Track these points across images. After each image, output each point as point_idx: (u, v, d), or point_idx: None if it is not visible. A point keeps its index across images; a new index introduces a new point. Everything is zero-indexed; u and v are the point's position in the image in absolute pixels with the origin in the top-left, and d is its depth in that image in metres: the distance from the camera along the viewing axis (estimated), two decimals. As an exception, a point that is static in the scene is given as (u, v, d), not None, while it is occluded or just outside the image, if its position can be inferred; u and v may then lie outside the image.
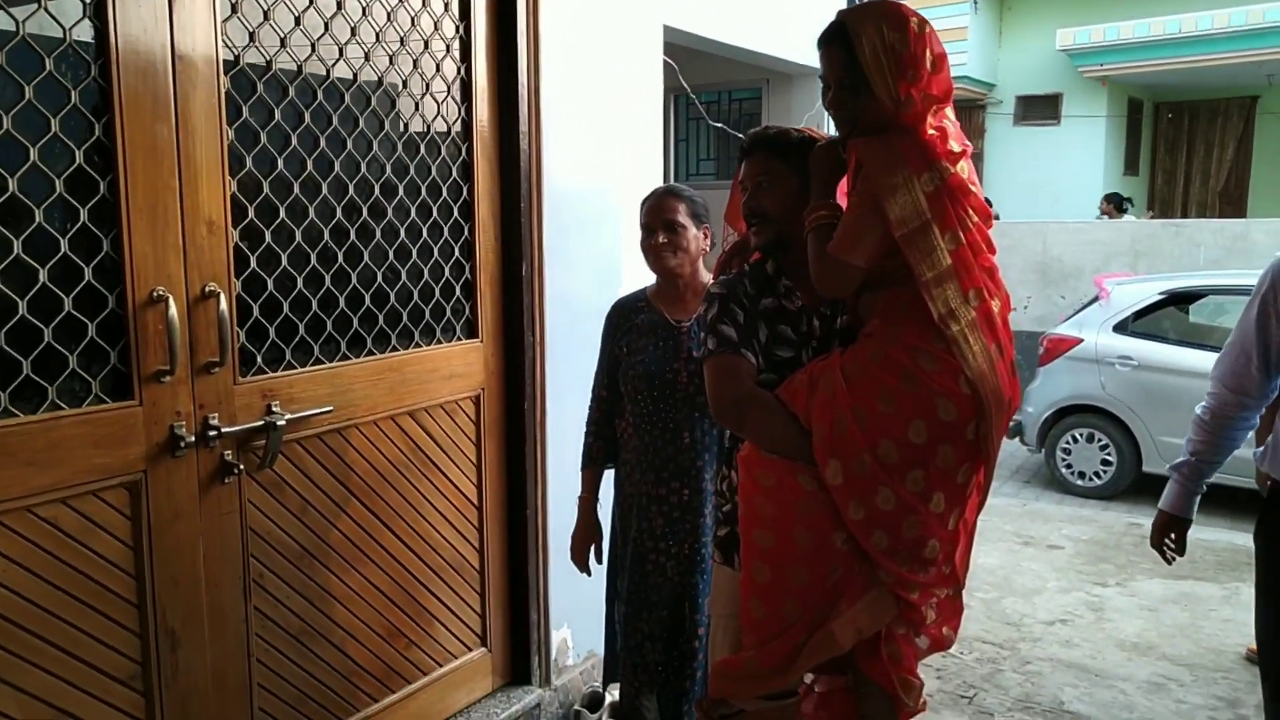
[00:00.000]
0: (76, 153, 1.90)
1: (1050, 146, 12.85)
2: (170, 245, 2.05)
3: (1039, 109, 13.12)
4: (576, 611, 3.12)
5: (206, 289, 2.09)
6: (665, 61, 3.48)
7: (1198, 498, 2.41)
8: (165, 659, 2.12)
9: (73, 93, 1.88)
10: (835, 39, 1.80)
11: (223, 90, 2.09)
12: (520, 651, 3.03)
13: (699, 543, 2.43)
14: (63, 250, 1.90)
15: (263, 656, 2.30)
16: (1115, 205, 11.11)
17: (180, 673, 2.15)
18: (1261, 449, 2.27)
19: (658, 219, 2.43)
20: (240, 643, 2.24)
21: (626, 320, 2.52)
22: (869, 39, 1.74)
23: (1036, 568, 4.95)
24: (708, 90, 5.36)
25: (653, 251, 2.45)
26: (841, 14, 1.81)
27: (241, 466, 2.19)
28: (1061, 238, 9.53)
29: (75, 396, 1.95)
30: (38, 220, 1.85)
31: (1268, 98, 12.62)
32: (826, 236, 1.80)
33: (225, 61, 2.10)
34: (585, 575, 2.64)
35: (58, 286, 1.89)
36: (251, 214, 2.19)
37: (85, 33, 1.89)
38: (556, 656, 3.11)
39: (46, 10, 1.83)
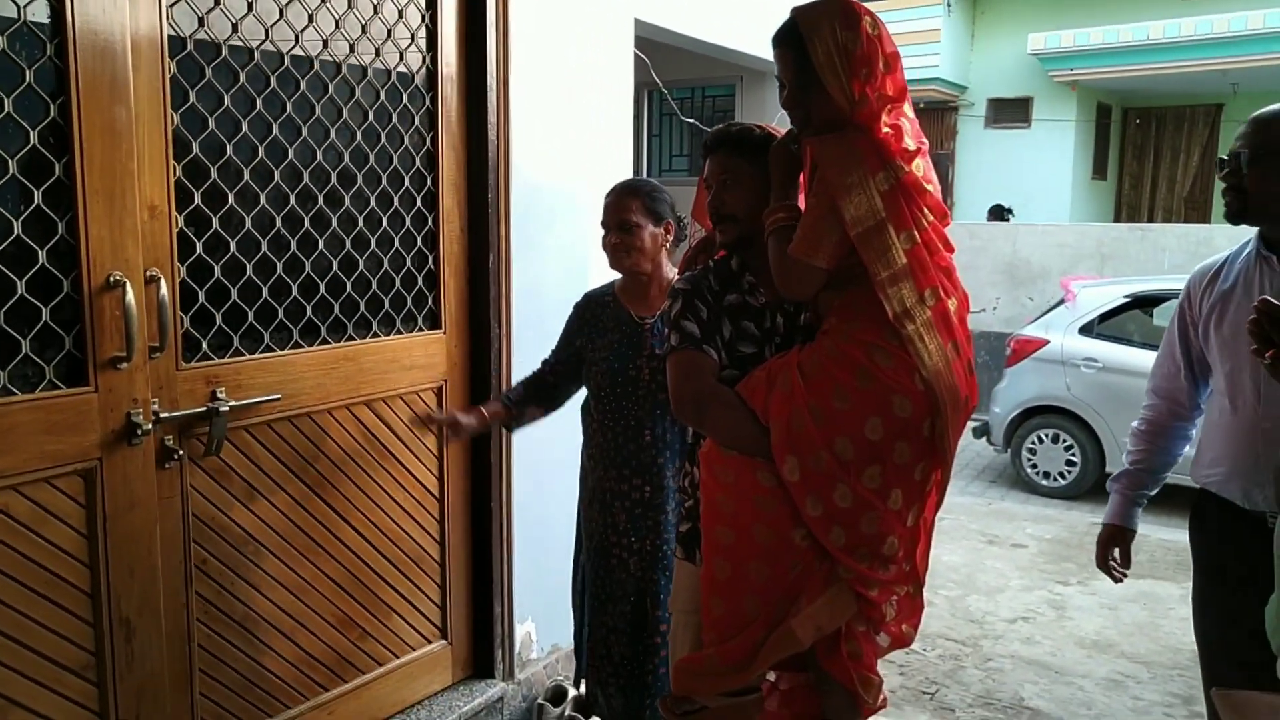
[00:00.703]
0: (31, 134, 1.86)
1: (1021, 149, 12.97)
2: (128, 230, 2.01)
3: (1010, 112, 13.23)
4: (541, 605, 3.12)
5: (148, 274, 2.05)
6: (636, 55, 3.48)
7: (1139, 508, 2.41)
8: (120, 649, 2.09)
9: (27, 72, 1.84)
10: (788, 38, 1.80)
11: (167, 72, 2.05)
12: (483, 644, 3.01)
13: (660, 539, 2.43)
14: (15, 233, 1.86)
15: (205, 643, 2.27)
16: (997, 216, 11.43)
17: (135, 662, 2.12)
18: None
19: (612, 218, 2.42)
20: (180, 628, 2.21)
21: (593, 314, 2.52)
22: (821, 38, 1.75)
23: (1000, 566, 5.00)
24: (681, 86, 5.35)
25: (608, 251, 2.44)
26: (794, 12, 1.80)
27: (182, 452, 2.16)
28: (1030, 239, 9.63)
29: (28, 382, 1.92)
30: (-10, 201, 1.82)
31: (1232, 106, 12.80)
32: (786, 238, 1.80)
33: (171, 40, 2.06)
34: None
35: (10, 269, 1.86)
36: (198, 199, 2.15)
37: (41, 12, 1.86)
38: (520, 650, 3.10)
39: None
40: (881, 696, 2.02)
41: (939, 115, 13.43)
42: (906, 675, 3.66)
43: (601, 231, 2.47)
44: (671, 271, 2.46)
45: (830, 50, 1.74)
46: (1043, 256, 9.52)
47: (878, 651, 2.00)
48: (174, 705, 2.21)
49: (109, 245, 1.99)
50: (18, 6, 1.82)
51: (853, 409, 1.78)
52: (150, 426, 2.08)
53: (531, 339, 2.92)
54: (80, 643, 2.04)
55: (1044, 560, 5.10)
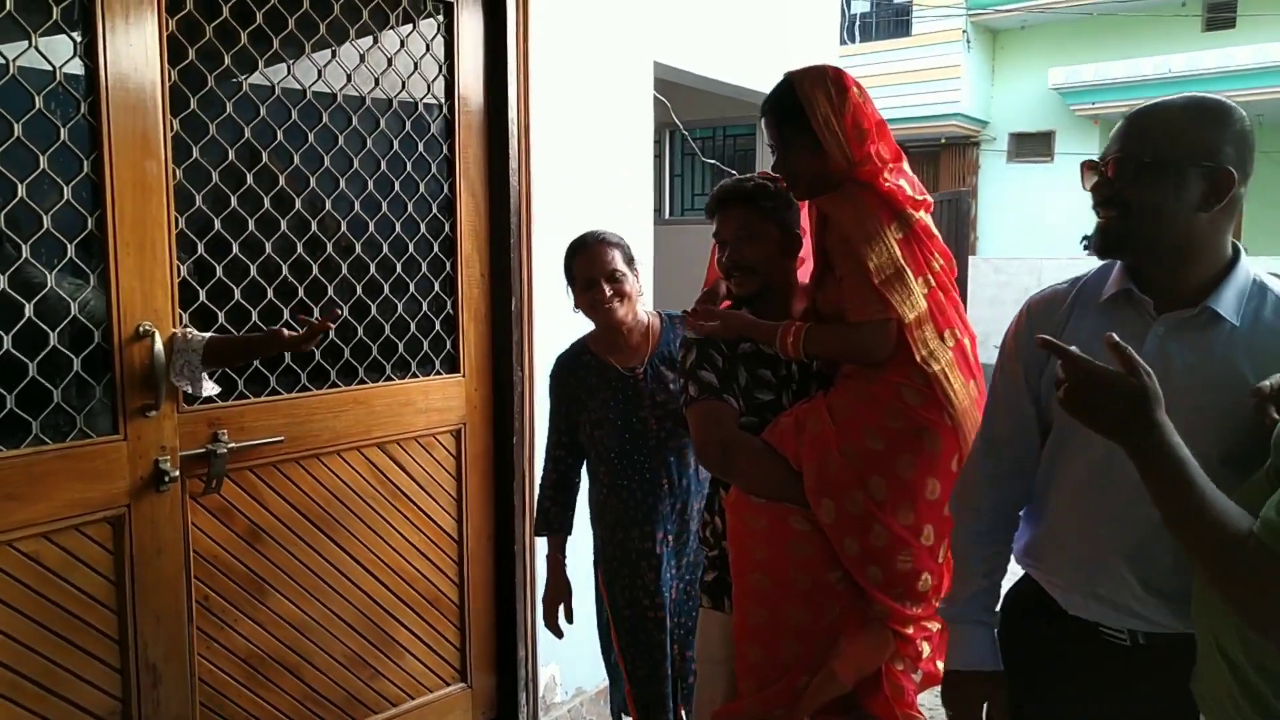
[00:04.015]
0: (65, 189, 1.92)
1: (1044, 183, 12.96)
2: (158, 281, 2.06)
3: (1032, 146, 13.25)
4: (565, 648, 3.09)
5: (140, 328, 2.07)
6: (656, 98, 3.53)
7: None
8: (146, 694, 2.11)
9: (62, 130, 1.90)
10: (784, 102, 1.82)
11: (167, 122, 2.07)
12: (507, 687, 3.00)
13: (686, 580, 2.41)
14: (49, 285, 1.91)
15: (208, 678, 2.27)
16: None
17: (161, 707, 2.14)
18: None
19: (601, 270, 2.30)
20: (184, 666, 2.21)
21: (576, 378, 2.42)
22: (820, 101, 1.79)
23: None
24: (702, 126, 5.41)
25: (600, 305, 2.30)
26: (789, 76, 1.83)
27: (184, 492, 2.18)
28: (1054, 273, 9.58)
29: (59, 431, 1.96)
30: (24, 255, 1.87)
31: (1259, 137, 12.74)
32: (828, 327, 1.83)
33: (173, 91, 2.07)
34: (557, 637, 2.59)
35: (44, 321, 1.91)
36: (201, 249, 2.18)
37: (76, 69, 1.92)
38: (544, 693, 3.08)
39: (37, 49, 1.85)
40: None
41: (960, 150, 13.47)
42: (936, 716, 3.60)
43: (571, 290, 2.37)
44: (644, 316, 2.41)
45: (828, 112, 1.78)
46: (1068, 290, 9.48)
47: (916, 689, 2.00)
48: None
49: (139, 296, 2.03)
50: (54, 66, 1.88)
51: (885, 448, 1.80)
52: (177, 474, 2.12)
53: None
54: (108, 689, 2.06)
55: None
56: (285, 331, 2.05)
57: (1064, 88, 12.09)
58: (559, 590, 2.51)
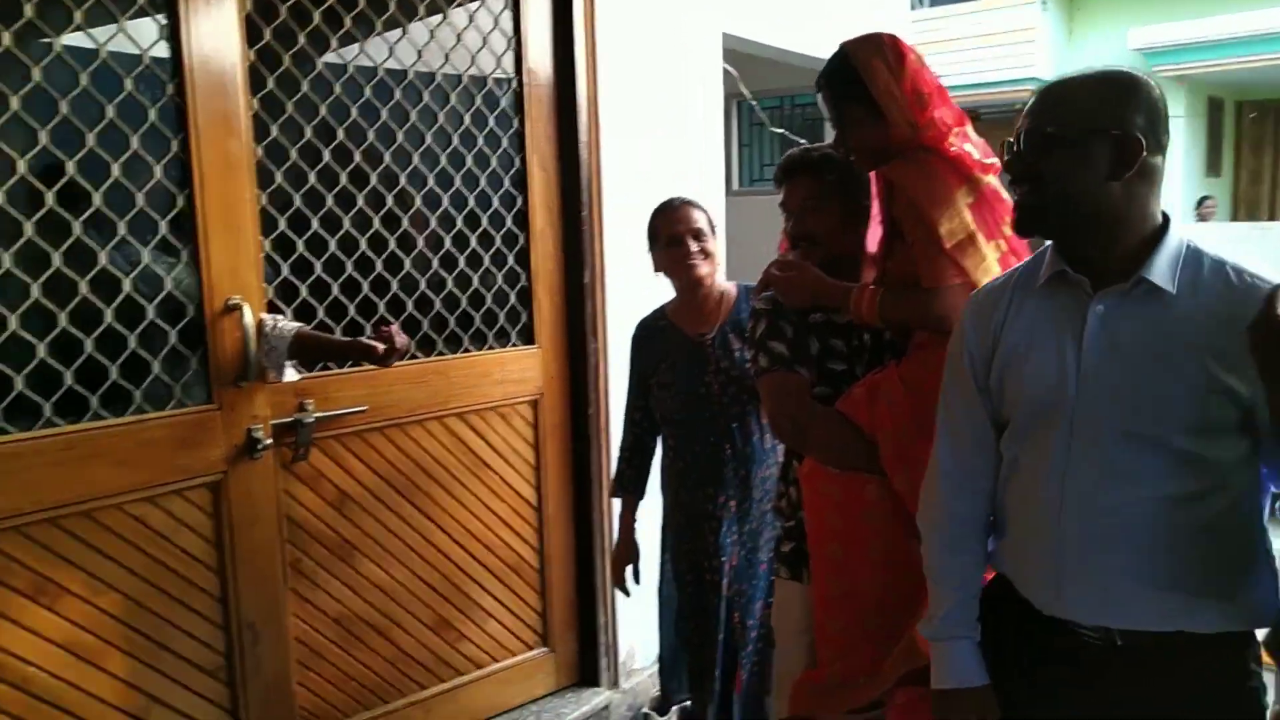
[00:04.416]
0: (156, 168, 2.01)
1: (1128, 148, 12.49)
2: (245, 255, 2.15)
3: (1114, 109, 12.77)
4: (645, 614, 3.13)
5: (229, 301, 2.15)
6: (725, 69, 3.51)
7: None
8: (247, 651, 2.21)
9: (151, 111, 1.99)
10: (841, 72, 1.80)
11: (248, 102, 2.14)
12: (588, 653, 3.05)
13: (749, 550, 2.41)
14: (144, 261, 2.01)
15: (303, 638, 2.37)
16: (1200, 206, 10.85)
17: (262, 665, 2.24)
18: None
19: (687, 227, 2.36)
20: (281, 626, 2.31)
21: (651, 342, 2.48)
22: (879, 68, 1.76)
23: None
24: (769, 96, 5.37)
25: (683, 261, 2.35)
26: (844, 46, 1.81)
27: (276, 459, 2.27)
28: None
29: (159, 400, 2.06)
30: (120, 233, 1.97)
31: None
32: (902, 292, 1.80)
33: (251, 71, 2.14)
34: (624, 595, 2.65)
35: (141, 295, 2.00)
36: (283, 224, 2.25)
37: (161, 51, 2.01)
38: (625, 659, 3.12)
39: (125, 33, 1.94)
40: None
41: (1038, 117, 13.06)
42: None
43: (656, 251, 2.43)
44: (723, 284, 2.45)
45: (888, 80, 1.76)
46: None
47: None
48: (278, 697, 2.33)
49: (228, 271, 2.12)
50: (140, 49, 1.97)
51: None
52: (269, 441, 2.20)
53: (627, 352, 2.96)
54: (212, 645, 2.17)
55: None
56: (378, 347, 2.11)
57: (1146, 48, 11.61)
58: (627, 552, 2.58)
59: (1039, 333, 1.45)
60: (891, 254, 1.88)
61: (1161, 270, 1.36)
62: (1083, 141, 1.35)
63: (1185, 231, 1.40)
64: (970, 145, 1.83)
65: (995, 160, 1.86)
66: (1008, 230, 1.83)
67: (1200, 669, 1.39)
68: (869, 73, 1.77)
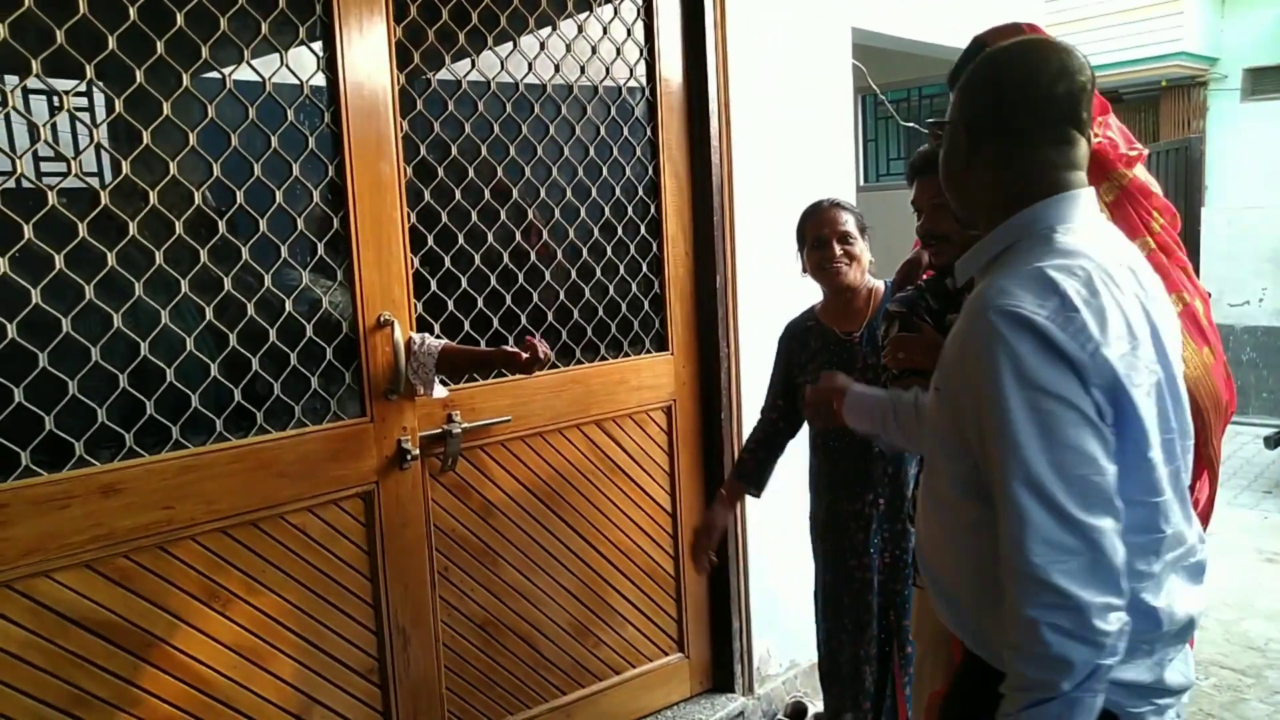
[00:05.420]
0: (314, 192, 2.10)
1: (1286, 122, 11.66)
2: (394, 273, 2.22)
3: (1272, 81, 11.92)
4: (779, 620, 3.12)
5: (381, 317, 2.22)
6: (854, 64, 3.43)
7: None
8: (399, 655, 2.30)
9: (309, 138, 2.08)
10: None
11: (398, 124, 2.20)
12: (722, 659, 3.05)
13: (900, 549, 2.38)
14: (303, 282, 2.10)
15: (450, 643, 2.43)
16: None
17: (412, 668, 2.32)
18: None
19: (833, 230, 2.36)
20: (429, 631, 2.38)
21: (799, 342, 2.49)
22: None
23: (1283, 586, 4.50)
24: (896, 88, 5.23)
25: (828, 264, 2.35)
26: (979, 40, 1.73)
27: (425, 469, 2.34)
28: (1302, 222, 8.64)
29: (317, 414, 2.15)
30: (283, 255, 2.06)
31: None
32: None
33: (401, 94, 2.20)
34: (698, 572, 2.64)
35: (298, 313, 2.09)
36: (430, 241, 2.31)
37: (319, 81, 2.09)
38: (759, 665, 3.11)
39: (287, 66, 2.03)
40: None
41: (1184, 93, 12.32)
42: (1177, 705, 3.36)
43: (803, 252, 2.43)
44: (872, 282, 2.42)
45: None
46: (1318, 240, 8.51)
47: None
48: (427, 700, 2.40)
49: (379, 289, 2.20)
50: (300, 80, 2.05)
51: None
52: (418, 452, 2.28)
53: (759, 357, 2.93)
54: (365, 648, 2.26)
55: (1337, 581, 4.54)
56: (521, 354, 2.15)
57: (1308, 14, 10.82)
58: (709, 528, 2.50)
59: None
60: None
61: (971, 263, 1.34)
62: (949, 133, 1.33)
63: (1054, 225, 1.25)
64: (1113, 133, 1.74)
65: (1140, 149, 1.77)
66: (1156, 225, 1.73)
67: None
68: None
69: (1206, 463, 1.79)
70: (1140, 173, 1.75)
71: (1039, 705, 1.13)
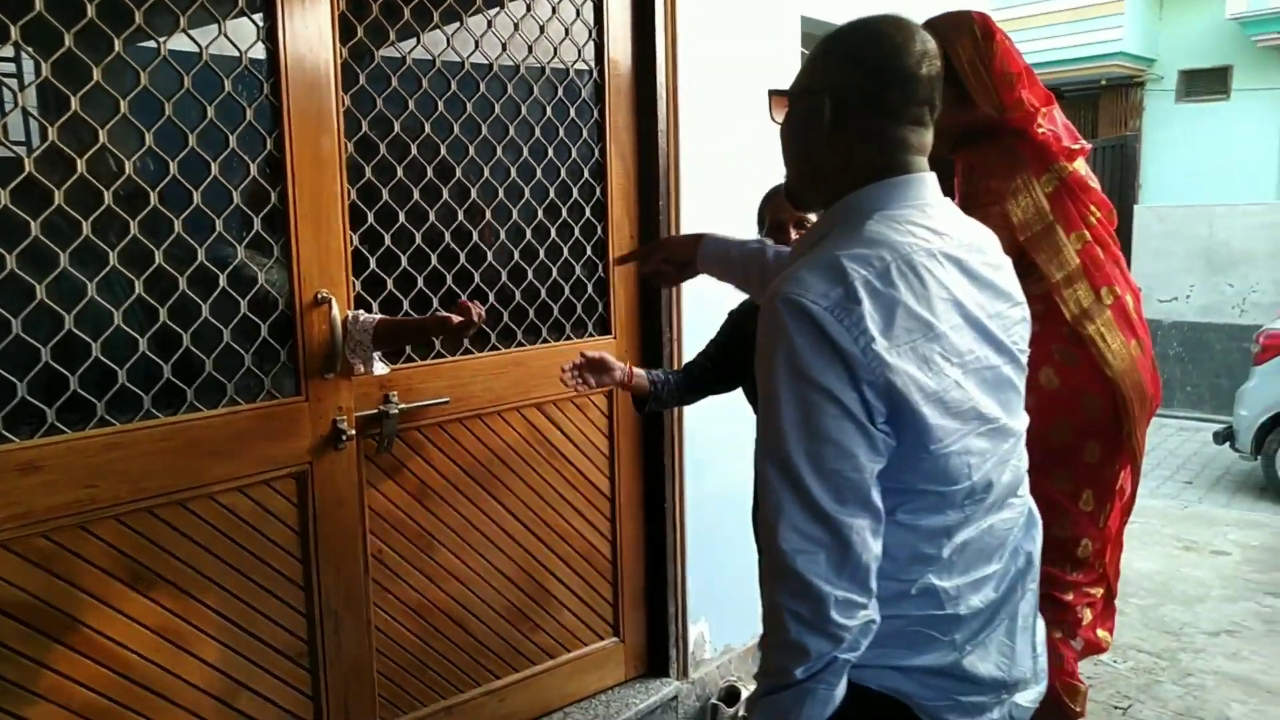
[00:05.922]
0: (251, 166, 2.04)
1: (1218, 124, 12.01)
2: (333, 250, 2.18)
3: (1205, 83, 12.28)
4: (714, 605, 3.15)
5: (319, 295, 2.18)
6: (803, 54, 3.45)
7: None
8: (329, 638, 2.27)
9: (248, 110, 2.02)
10: None
11: (339, 99, 2.15)
12: (657, 643, 3.07)
13: None
14: (239, 257, 2.04)
15: (383, 626, 2.41)
16: None
17: (343, 651, 2.30)
18: None
19: (789, 214, 2.34)
20: (361, 614, 2.36)
21: (751, 321, 2.49)
22: (964, 46, 1.72)
23: (1199, 574, 4.67)
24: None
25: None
26: (927, 24, 1.75)
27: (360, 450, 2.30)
28: (1230, 221, 8.92)
29: (250, 393, 2.11)
30: (218, 229, 2.01)
31: None
32: None
33: (344, 68, 2.15)
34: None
35: (235, 289, 2.04)
36: (371, 219, 2.27)
37: (258, 53, 2.03)
38: (694, 650, 3.14)
39: (226, 36, 1.97)
40: (1084, 705, 1.97)
41: (1122, 93, 12.63)
42: (1097, 688, 3.48)
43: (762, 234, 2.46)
44: None
45: (974, 59, 1.71)
46: (1244, 240, 8.79)
47: (1076, 657, 1.95)
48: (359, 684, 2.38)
49: (317, 266, 2.15)
50: (240, 50, 1.99)
51: (1040, 413, 1.74)
52: (354, 432, 2.24)
53: (702, 342, 2.95)
54: (296, 632, 2.23)
55: (1250, 569, 4.73)
56: (453, 318, 2.12)
57: (1244, 16, 11.12)
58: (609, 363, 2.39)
59: None
60: None
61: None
62: (808, 101, 1.28)
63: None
64: (1057, 126, 1.78)
65: (1083, 143, 1.81)
66: (1093, 219, 1.78)
67: None
68: (955, 53, 1.72)
69: (1130, 454, 1.84)
70: (1081, 167, 1.79)
71: (775, 694, 1.13)
